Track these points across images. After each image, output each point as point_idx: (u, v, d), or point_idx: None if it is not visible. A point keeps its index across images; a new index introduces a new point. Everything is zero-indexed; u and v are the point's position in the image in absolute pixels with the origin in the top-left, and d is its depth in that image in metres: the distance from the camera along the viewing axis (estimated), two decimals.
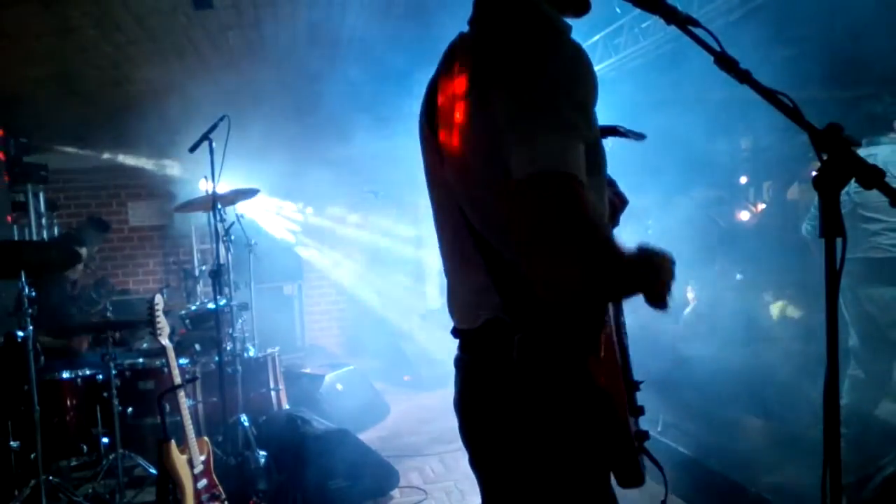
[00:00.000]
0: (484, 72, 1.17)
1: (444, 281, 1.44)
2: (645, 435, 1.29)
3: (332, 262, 8.19)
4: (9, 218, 5.92)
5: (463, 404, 1.36)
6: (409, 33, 4.65)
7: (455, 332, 1.37)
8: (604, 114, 1.21)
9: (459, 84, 1.22)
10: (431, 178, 1.39)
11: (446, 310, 1.42)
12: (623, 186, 1.50)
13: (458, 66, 1.24)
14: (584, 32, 4.72)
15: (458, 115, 1.23)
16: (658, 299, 1.10)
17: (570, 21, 1.32)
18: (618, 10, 4.27)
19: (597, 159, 1.16)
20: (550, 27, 1.23)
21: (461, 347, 1.36)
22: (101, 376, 3.86)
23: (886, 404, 3.56)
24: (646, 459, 1.28)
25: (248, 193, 4.46)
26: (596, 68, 1.19)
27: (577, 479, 1.22)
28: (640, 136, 1.44)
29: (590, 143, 1.12)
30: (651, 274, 1.08)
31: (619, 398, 1.19)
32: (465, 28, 1.36)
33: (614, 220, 1.49)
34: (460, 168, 1.25)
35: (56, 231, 6.85)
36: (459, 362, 1.36)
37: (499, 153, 1.13)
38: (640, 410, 1.31)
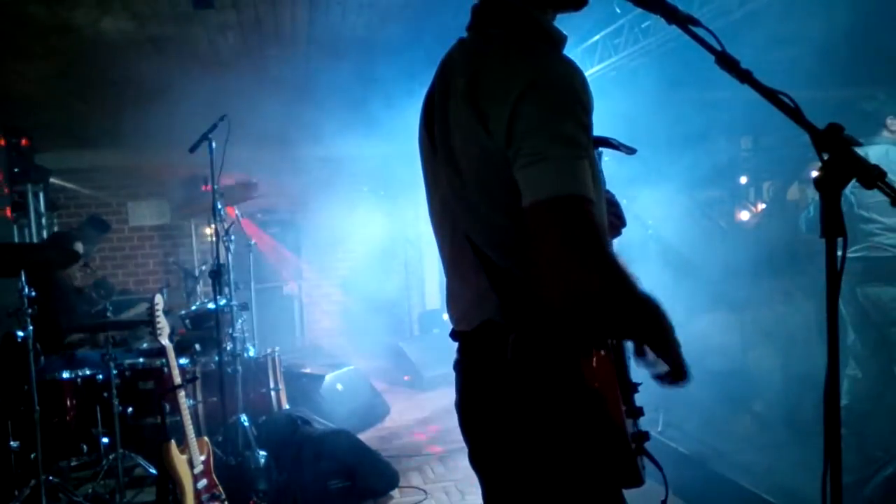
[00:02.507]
0: (485, 86, 1.16)
1: (444, 281, 1.44)
2: (645, 436, 1.28)
3: (332, 261, 8.18)
4: (7, 211, 5.91)
5: (462, 405, 1.36)
6: (410, 33, 4.65)
7: (454, 335, 1.38)
8: (604, 114, 1.21)
9: (458, 96, 1.21)
10: (430, 185, 1.39)
11: (446, 310, 1.43)
12: (622, 187, 1.51)
13: (457, 77, 1.23)
14: (584, 32, 4.71)
15: (457, 128, 1.22)
16: (657, 340, 1.17)
17: (568, 16, 1.31)
18: (618, 10, 4.25)
19: (594, 173, 1.17)
20: (550, 42, 1.23)
21: (460, 350, 1.36)
22: (101, 376, 3.86)
23: (886, 404, 3.55)
24: (646, 460, 1.28)
25: (249, 193, 4.46)
26: (596, 68, 1.20)
27: (573, 479, 1.22)
28: (631, 150, 1.46)
29: (590, 158, 1.14)
30: (651, 310, 1.15)
31: (613, 399, 1.19)
32: (463, 33, 1.35)
33: (614, 236, 1.52)
34: (457, 178, 1.25)
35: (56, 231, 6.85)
36: (458, 364, 1.37)
37: (498, 167, 1.14)
38: (639, 412, 1.30)
